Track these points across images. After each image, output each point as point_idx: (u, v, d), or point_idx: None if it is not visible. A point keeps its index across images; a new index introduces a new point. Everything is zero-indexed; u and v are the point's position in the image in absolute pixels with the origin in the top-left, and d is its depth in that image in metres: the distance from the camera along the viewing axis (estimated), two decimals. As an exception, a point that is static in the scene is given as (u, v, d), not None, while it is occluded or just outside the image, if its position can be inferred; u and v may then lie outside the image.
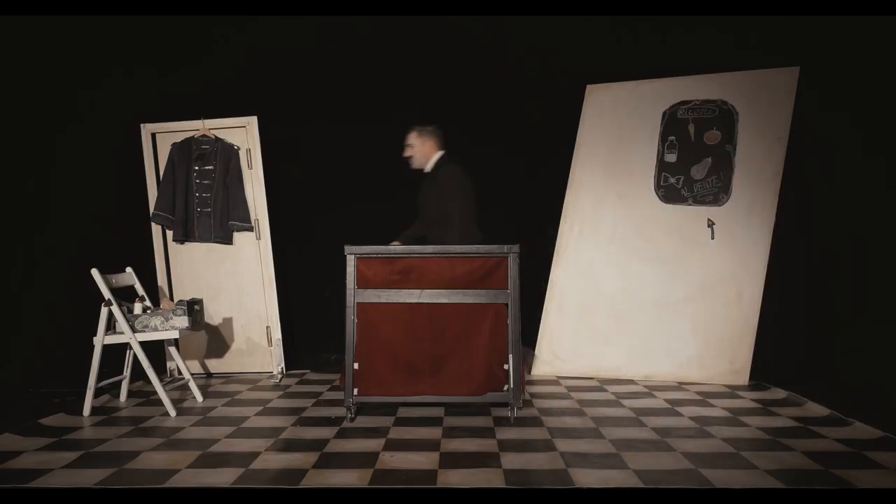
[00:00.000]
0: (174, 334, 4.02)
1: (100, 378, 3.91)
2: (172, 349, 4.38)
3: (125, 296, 4.21)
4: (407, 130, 4.34)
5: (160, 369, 4.97)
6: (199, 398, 4.22)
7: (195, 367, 5.08)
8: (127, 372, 4.19)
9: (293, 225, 5.66)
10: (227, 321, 5.08)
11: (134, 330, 3.96)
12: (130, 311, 4.04)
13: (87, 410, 3.84)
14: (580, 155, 5.19)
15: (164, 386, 3.92)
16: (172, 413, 3.82)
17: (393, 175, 5.61)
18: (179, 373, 4.99)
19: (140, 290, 4.24)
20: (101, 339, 3.89)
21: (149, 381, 4.58)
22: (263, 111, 5.09)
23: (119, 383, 4.20)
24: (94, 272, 3.90)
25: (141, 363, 3.91)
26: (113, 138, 5.42)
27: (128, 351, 4.15)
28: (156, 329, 3.99)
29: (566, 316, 5.00)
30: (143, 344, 3.94)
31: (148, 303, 4.22)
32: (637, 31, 5.31)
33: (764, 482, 2.65)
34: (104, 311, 3.89)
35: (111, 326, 3.95)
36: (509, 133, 5.56)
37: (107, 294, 3.89)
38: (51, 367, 5.07)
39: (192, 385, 4.25)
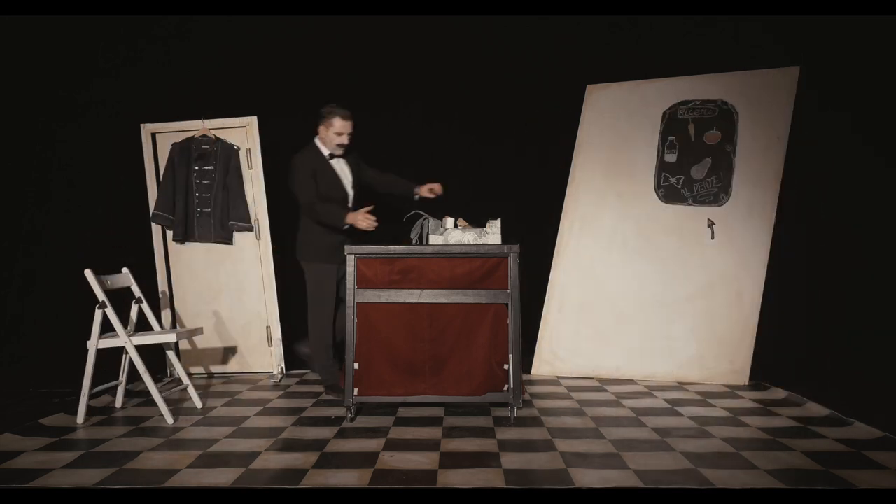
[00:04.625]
0: (171, 337, 3.96)
1: (99, 381, 3.83)
2: (171, 354, 4.28)
3: (122, 297, 4.08)
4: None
5: (161, 370, 4.97)
6: (199, 404, 4.04)
7: (195, 367, 5.08)
8: (123, 377, 4.03)
9: (293, 225, 5.65)
10: (227, 321, 5.07)
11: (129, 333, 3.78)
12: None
13: (80, 418, 3.65)
14: (580, 154, 5.19)
15: (163, 387, 3.88)
16: (170, 420, 3.66)
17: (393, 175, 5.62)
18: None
19: (137, 292, 4.09)
20: (94, 343, 3.70)
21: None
22: (263, 111, 5.09)
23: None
24: (88, 273, 3.72)
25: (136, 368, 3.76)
26: (113, 138, 5.42)
27: (124, 355, 4.00)
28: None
29: (566, 316, 5.00)
30: (140, 347, 3.78)
31: (145, 304, 4.09)
32: (637, 31, 5.31)
33: (764, 482, 2.65)
34: (98, 313, 3.71)
35: (106, 329, 3.76)
36: (509, 132, 5.56)
37: (101, 296, 3.72)
38: (51, 367, 5.07)
39: (192, 391, 4.07)
